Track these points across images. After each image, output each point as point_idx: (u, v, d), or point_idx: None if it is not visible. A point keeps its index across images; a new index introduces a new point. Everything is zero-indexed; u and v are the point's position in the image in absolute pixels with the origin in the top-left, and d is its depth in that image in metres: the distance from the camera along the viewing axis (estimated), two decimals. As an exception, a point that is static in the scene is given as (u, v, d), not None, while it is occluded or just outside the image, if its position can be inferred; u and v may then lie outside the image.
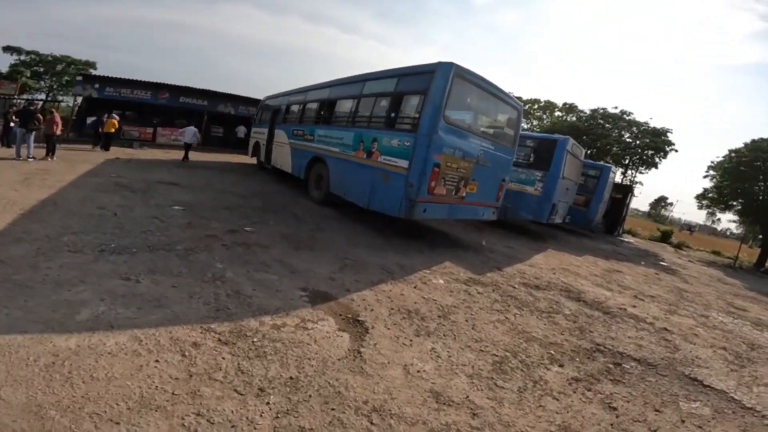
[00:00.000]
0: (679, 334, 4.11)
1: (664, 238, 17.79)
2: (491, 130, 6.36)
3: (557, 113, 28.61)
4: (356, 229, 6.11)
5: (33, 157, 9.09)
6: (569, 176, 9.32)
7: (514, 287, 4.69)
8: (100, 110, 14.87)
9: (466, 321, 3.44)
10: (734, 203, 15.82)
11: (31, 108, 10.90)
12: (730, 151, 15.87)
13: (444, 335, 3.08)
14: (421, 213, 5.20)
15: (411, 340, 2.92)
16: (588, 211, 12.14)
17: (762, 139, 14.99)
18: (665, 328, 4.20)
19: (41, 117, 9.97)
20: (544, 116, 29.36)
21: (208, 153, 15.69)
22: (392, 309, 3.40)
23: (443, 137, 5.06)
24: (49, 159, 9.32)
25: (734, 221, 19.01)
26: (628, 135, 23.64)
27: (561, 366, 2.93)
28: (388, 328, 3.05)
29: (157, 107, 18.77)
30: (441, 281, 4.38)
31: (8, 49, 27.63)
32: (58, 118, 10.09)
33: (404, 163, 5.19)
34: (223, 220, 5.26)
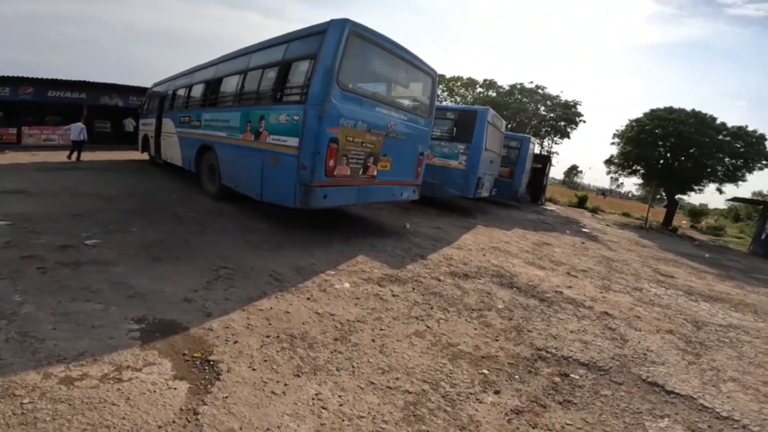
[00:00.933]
0: (621, 318, 3.66)
1: (581, 203, 19.03)
2: (403, 100, 5.56)
3: (479, 89, 29.18)
4: (254, 225, 4.98)
5: None
6: (492, 148, 9.02)
7: (440, 280, 3.97)
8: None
9: (373, 341, 2.59)
10: (638, 168, 17.21)
11: None
12: (631, 120, 17.18)
13: (338, 369, 2.20)
14: (321, 200, 4.25)
15: (286, 385, 2.01)
16: (513, 183, 12.19)
17: (659, 109, 16.36)
18: (606, 313, 3.74)
19: None
20: (467, 93, 29.88)
21: (95, 151, 13.07)
22: (268, 337, 2.44)
23: (339, 106, 4.13)
24: None
25: (638, 184, 21.01)
26: (543, 108, 24.93)
27: (497, 393, 2.19)
28: (254, 369, 2.10)
29: (21, 104, 15.20)
30: (347, 284, 3.48)
31: None
32: None
33: (294, 141, 4.21)
34: (62, 233, 3.83)
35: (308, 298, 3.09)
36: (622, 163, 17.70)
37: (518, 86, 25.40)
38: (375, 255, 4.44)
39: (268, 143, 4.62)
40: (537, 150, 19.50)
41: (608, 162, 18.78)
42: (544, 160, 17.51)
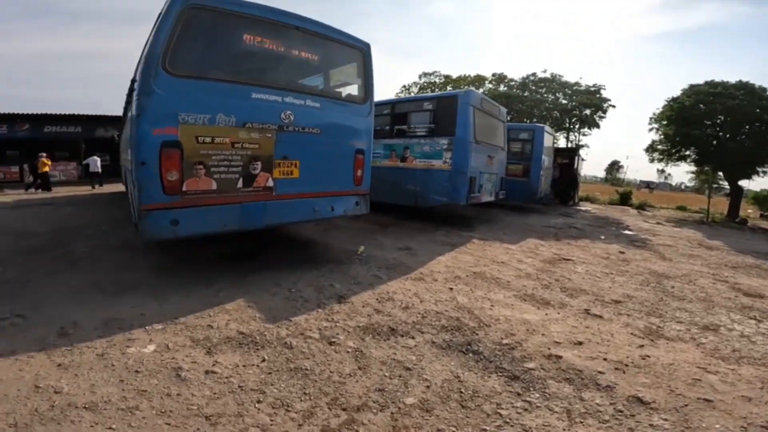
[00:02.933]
0: (676, 411, 1.83)
1: (624, 200, 16.22)
2: (317, 81, 4.08)
3: (488, 85, 26.94)
4: (141, 263, 3.83)
5: None
6: (487, 140, 7.22)
7: (332, 342, 2.32)
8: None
9: None
10: (687, 153, 14.42)
11: None
12: (667, 100, 14.57)
13: None
14: (169, 228, 2.83)
15: None
16: (529, 182, 10.15)
17: (699, 85, 13.76)
18: (641, 400, 1.90)
19: None
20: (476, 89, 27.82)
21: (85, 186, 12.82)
22: None
23: (169, 98, 2.79)
24: None
25: (691, 172, 17.80)
26: (563, 97, 22.37)
27: None
28: None
29: (19, 141, 15.47)
30: (150, 348, 2.16)
31: None
32: None
33: (128, 155, 2.93)
34: None
35: (59, 364, 1.92)
36: (666, 149, 14.92)
37: (531, 77, 23.04)
38: (265, 299, 2.92)
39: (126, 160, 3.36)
40: (562, 143, 17.11)
41: (650, 149, 15.97)
42: (571, 154, 15.19)
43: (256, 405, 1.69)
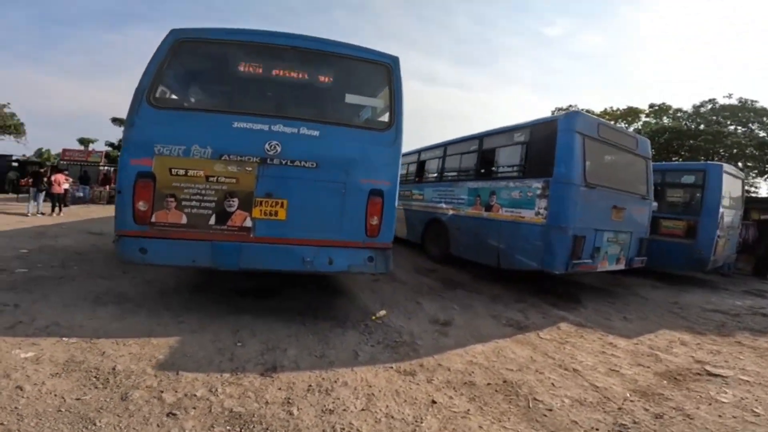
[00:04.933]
0: None
1: None
2: (313, 105, 3.62)
3: (644, 119, 21.63)
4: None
5: (42, 213, 10.21)
6: (610, 183, 5.30)
7: (173, 413, 1.68)
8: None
9: None
10: None
11: (41, 170, 12.25)
12: None
13: None
14: (138, 255, 2.83)
15: None
16: (696, 245, 7.11)
17: None
18: None
19: (47, 178, 11.00)
20: (627, 126, 22.55)
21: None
22: None
23: (147, 129, 2.81)
24: (55, 215, 10.34)
25: None
26: (758, 128, 15.93)
27: None
28: None
29: None
30: None
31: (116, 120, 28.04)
32: (61, 178, 10.94)
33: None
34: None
35: None
36: None
37: (708, 104, 17.27)
38: (205, 344, 2.42)
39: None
40: (763, 190, 11.97)
41: None
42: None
43: None
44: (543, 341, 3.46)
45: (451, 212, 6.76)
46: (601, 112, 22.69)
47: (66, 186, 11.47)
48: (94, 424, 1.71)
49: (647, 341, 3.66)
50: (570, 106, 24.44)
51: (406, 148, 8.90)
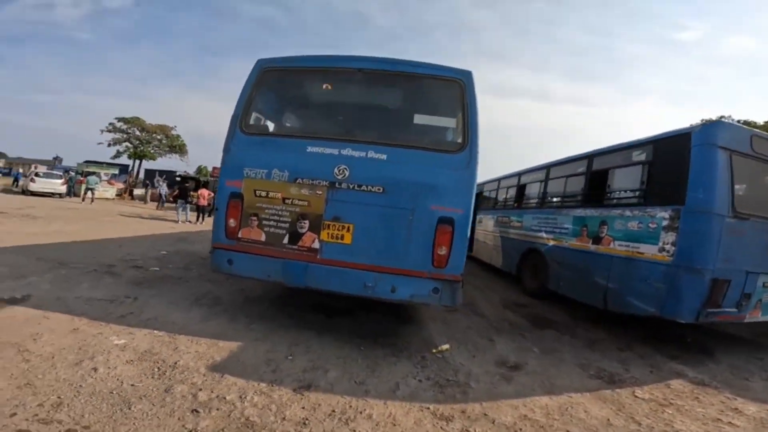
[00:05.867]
0: None
1: None
2: (383, 127, 3.57)
3: None
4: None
5: (189, 221, 12.77)
6: (751, 209, 4.04)
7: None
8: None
9: None
10: None
11: (186, 185, 15.20)
12: None
13: None
14: (226, 265, 3.26)
15: None
16: None
17: None
18: None
19: (193, 192, 13.83)
20: None
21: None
22: None
23: (239, 154, 3.22)
24: (198, 223, 12.78)
25: None
26: None
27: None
28: None
29: None
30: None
31: None
32: (205, 193, 13.58)
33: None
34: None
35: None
36: None
37: None
38: (247, 350, 2.62)
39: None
40: None
41: None
42: None
43: None
44: (636, 401, 2.74)
45: (551, 242, 6.00)
46: (765, 122, 17.60)
47: (209, 200, 14.10)
48: (129, 408, 1.95)
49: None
50: (722, 117, 19.75)
51: (515, 168, 8.34)
